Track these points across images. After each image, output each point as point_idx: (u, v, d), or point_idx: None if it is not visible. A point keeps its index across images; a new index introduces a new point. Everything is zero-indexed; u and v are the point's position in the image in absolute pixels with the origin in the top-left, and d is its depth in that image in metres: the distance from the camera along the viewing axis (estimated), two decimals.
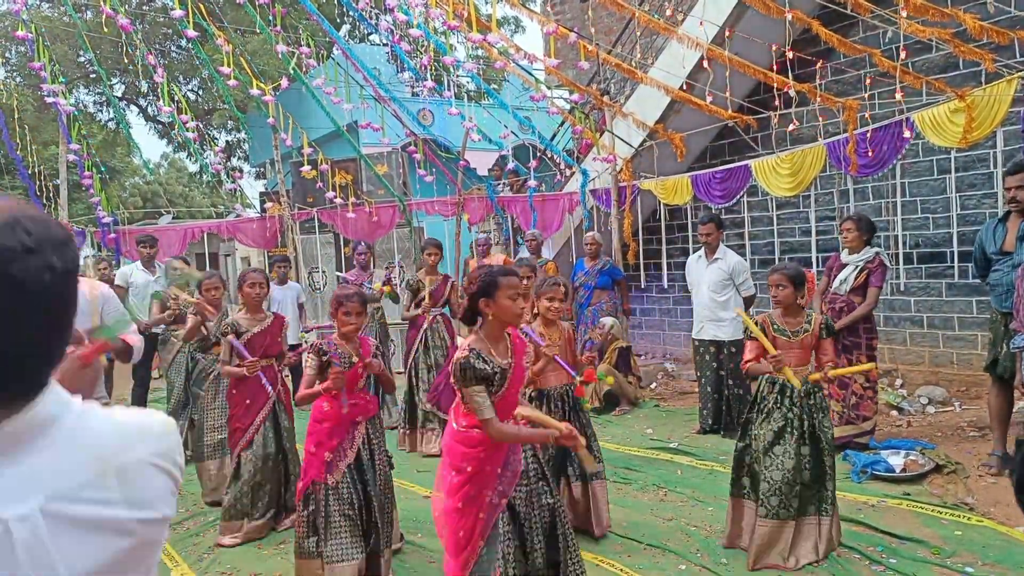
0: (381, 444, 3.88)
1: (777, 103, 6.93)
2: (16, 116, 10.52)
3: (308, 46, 9.18)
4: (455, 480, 2.93)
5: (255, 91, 8.94)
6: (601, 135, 8.99)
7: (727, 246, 6.68)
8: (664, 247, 8.96)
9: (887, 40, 7.35)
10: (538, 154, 10.77)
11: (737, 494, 4.01)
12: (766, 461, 3.78)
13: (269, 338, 4.62)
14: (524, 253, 8.57)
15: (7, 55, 15.84)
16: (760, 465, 3.82)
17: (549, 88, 10.44)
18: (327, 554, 3.61)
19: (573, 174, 10.19)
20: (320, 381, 3.70)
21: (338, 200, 9.96)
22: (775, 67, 6.94)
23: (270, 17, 8.90)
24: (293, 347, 7.06)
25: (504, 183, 11.99)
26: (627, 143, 8.92)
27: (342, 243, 10.82)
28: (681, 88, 8.04)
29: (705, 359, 6.45)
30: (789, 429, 3.78)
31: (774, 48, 7.09)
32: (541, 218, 9.53)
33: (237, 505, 4.50)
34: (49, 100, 9.30)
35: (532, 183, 9.49)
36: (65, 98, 9.44)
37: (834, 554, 3.80)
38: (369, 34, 20.17)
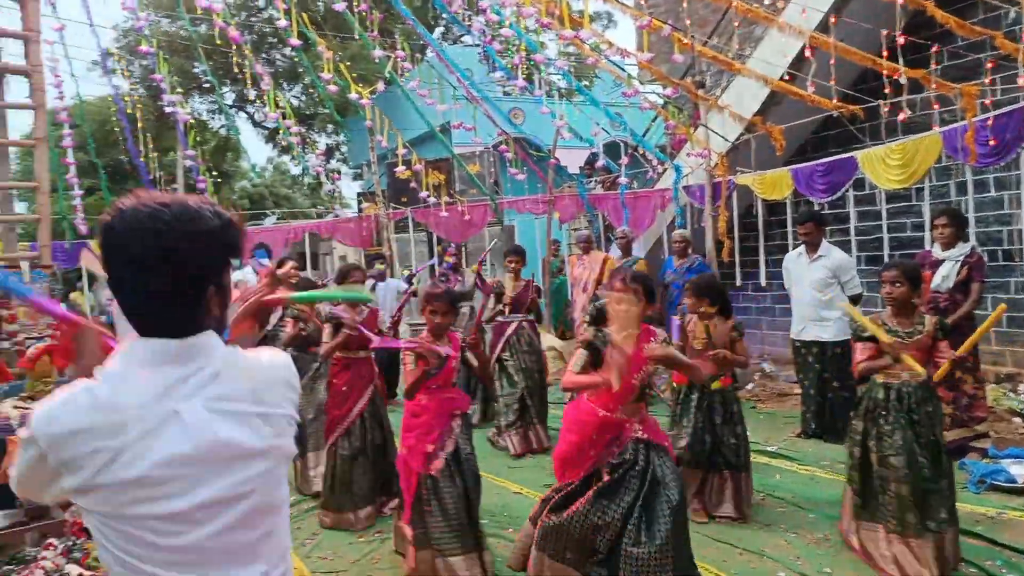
0: (469, 441, 3.93)
1: (887, 91, 6.58)
2: (139, 125, 11.27)
3: (403, 50, 9.40)
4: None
5: (353, 95, 9.24)
6: (695, 129, 8.80)
7: (830, 242, 6.40)
8: (762, 244, 8.68)
9: (1009, 21, 6.85)
10: (630, 150, 10.65)
11: (859, 505, 3.78)
12: (884, 472, 3.59)
13: (364, 334, 4.76)
14: (615, 251, 8.49)
15: (131, 69, 16.97)
16: (879, 476, 3.62)
17: (641, 83, 10.30)
18: (441, 546, 3.64)
19: (666, 170, 10.01)
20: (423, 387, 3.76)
21: (431, 199, 10.15)
22: (885, 53, 6.59)
23: (368, 23, 9.17)
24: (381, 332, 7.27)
25: (595, 180, 11.90)
26: (723, 137, 8.69)
27: (435, 242, 11.03)
28: (782, 78, 7.77)
29: (807, 360, 6.21)
30: (906, 437, 3.56)
31: (884, 33, 6.74)
32: (632, 215, 9.41)
33: (335, 494, 4.65)
34: (168, 109, 9.92)
35: (623, 180, 9.39)
36: (182, 107, 10.05)
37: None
38: (462, 35, 20.48)
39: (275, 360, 1.43)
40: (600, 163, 9.67)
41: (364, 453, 4.67)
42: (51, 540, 4.11)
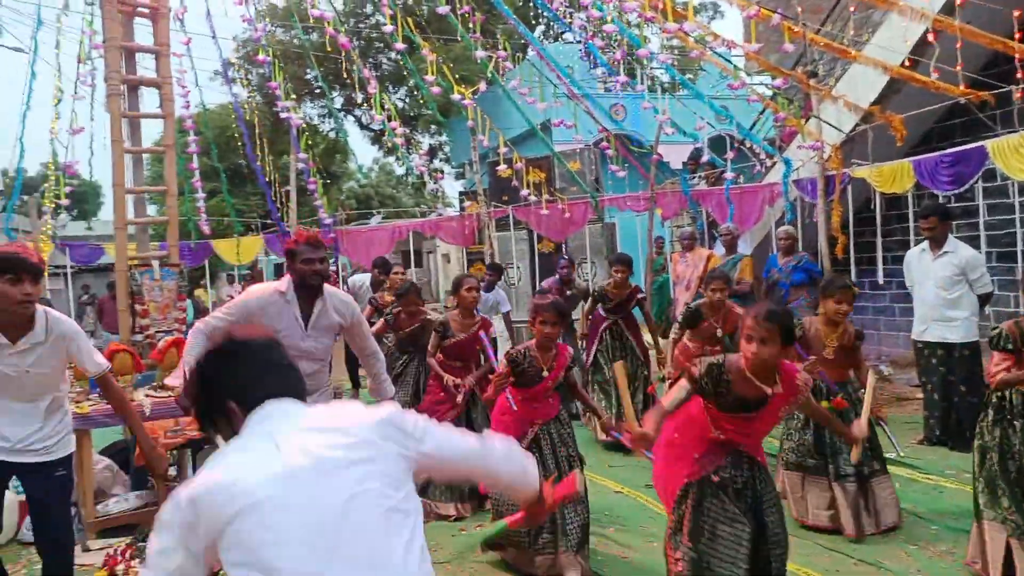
0: (568, 445, 3.95)
1: (1020, 75, 6.09)
2: (257, 131, 11.89)
3: (504, 50, 9.48)
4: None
5: (456, 96, 9.40)
6: (807, 121, 8.43)
7: (957, 237, 5.98)
8: (879, 240, 8.22)
9: None
10: (736, 144, 10.33)
11: (990, 518, 3.46)
12: (1015, 482, 3.33)
13: (472, 340, 4.92)
14: (719, 248, 8.25)
15: (249, 77, 17.92)
16: (1008, 485, 3.35)
17: (749, 75, 9.97)
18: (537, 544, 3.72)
19: (774, 164, 9.65)
20: (511, 386, 3.86)
21: (532, 197, 10.19)
22: (1017, 35, 6.10)
23: (470, 25, 9.30)
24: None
25: (699, 176, 11.62)
26: (837, 128, 8.28)
27: (535, 240, 11.07)
28: (902, 65, 7.33)
29: (931, 363, 5.83)
30: None
31: (1016, 14, 6.24)
32: (738, 211, 9.12)
33: (428, 489, 4.79)
34: (283, 115, 10.41)
35: (729, 175, 9.11)
36: (295, 112, 10.52)
37: None
38: (562, 33, 20.46)
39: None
40: (705, 158, 9.43)
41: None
42: None
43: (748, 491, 2.95)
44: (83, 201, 21.83)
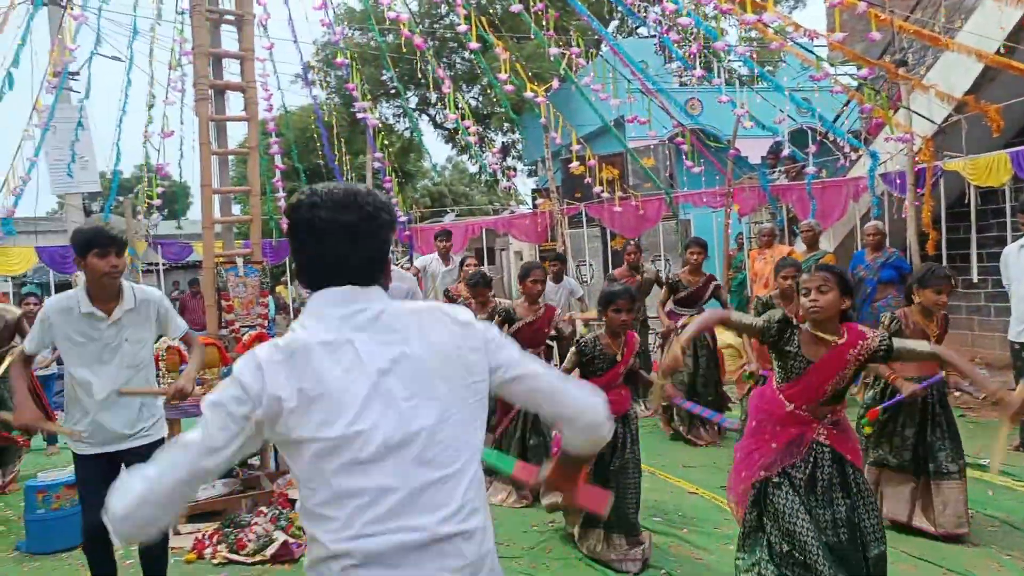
0: (633, 441, 3.94)
1: None
2: (335, 131, 12.21)
3: (578, 46, 9.43)
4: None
5: (529, 93, 9.41)
6: (895, 112, 8.07)
7: None
8: (974, 236, 7.81)
9: None
10: (818, 138, 9.99)
11: None
12: None
13: (537, 327, 4.97)
14: (799, 245, 8.00)
15: (328, 80, 18.41)
16: None
17: (832, 65, 9.62)
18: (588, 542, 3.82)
19: (859, 157, 9.28)
20: (581, 376, 3.82)
21: (605, 194, 10.12)
22: None
23: (544, 22, 9.29)
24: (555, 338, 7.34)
25: (779, 171, 11.29)
26: (927, 119, 7.90)
27: (609, 237, 10.98)
28: (998, 52, 6.93)
29: None
30: None
31: None
32: (820, 207, 8.81)
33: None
34: (359, 116, 10.64)
35: (811, 169, 8.82)
36: (371, 113, 10.75)
37: None
38: (637, 27, 20.21)
39: (439, 306, 1.58)
40: (785, 152, 9.15)
41: (523, 445, 4.84)
42: (261, 508, 4.57)
43: (834, 489, 2.86)
44: (173, 201, 22.81)
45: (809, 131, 9.97)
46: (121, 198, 14.29)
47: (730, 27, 12.60)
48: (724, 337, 7.61)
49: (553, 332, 5.31)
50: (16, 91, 9.50)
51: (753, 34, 10.40)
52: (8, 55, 9.63)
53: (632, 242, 7.40)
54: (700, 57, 8.44)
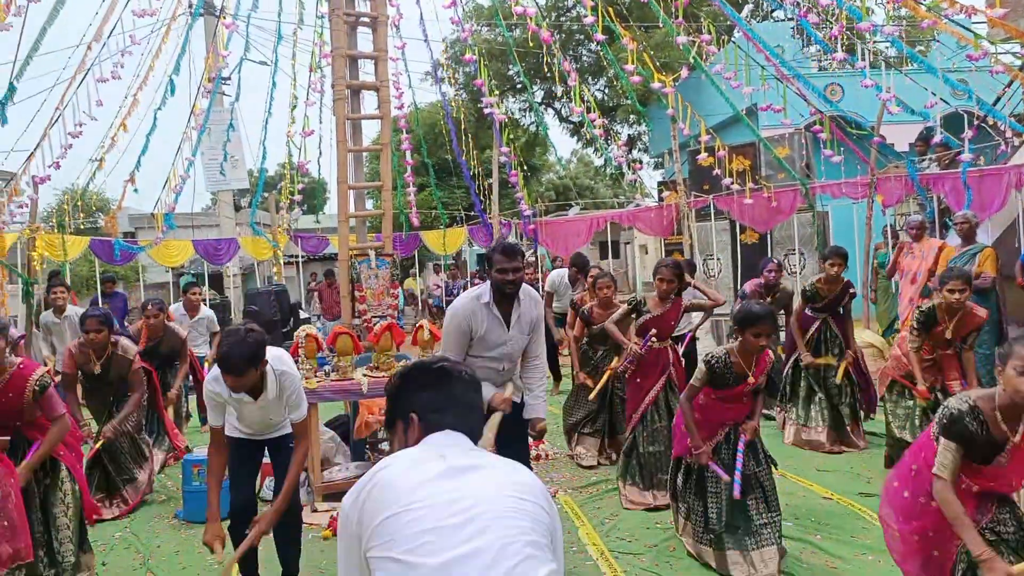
0: (751, 451, 3.83)
1: None
2: (462, 127, 12.49)
3: (708, 33, 9.13)
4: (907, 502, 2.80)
5: (656, 84, 9.23)
6: None
7: None
8: None
9: None
10: (976, 122, 9.19)
11: None
12: None
13: (665, 322, 4.90)
14: (953, 239, 7.39)
15: (456, 76, 18.83)
16: None
17: (992, 43, 8.82)
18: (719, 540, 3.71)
19: (1023, 143, 8.46)
20: (709, 387, 3.80)
21: (735, 186, 9.77)
22: None
23: (673, 10, 9.07)
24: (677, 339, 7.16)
25: (929, 158, 10.48)
26: None
27: (738, 230, 10.61)
28: None
29: None
30: None
31: None
32: (977, 197, 8.09)
33: (630, 473, 4.84)
34: (487, 111, 10.82)
35: (966, 156, 8.12)
36: (498, 108, 10.90)
37: None
38: (773, 11, 19.34)
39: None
40: (937, 138, 8.48)
41: (656, 435, 4.81)
42: None
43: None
44: (312, 197, 24.20)
45: (965, 115, 9.18)
46: (266, 194, 15.28)
47: (876, 5, 11.82)
48: (864, 336, 7.18)
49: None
50: (175, 97, 10.34)
51: (903, 12, 9.69)
52: (169, 64, 10.50)
53: (774, 260, 6.96)
54: (842, 39, 7.94)
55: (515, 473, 1.55)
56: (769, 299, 6.54)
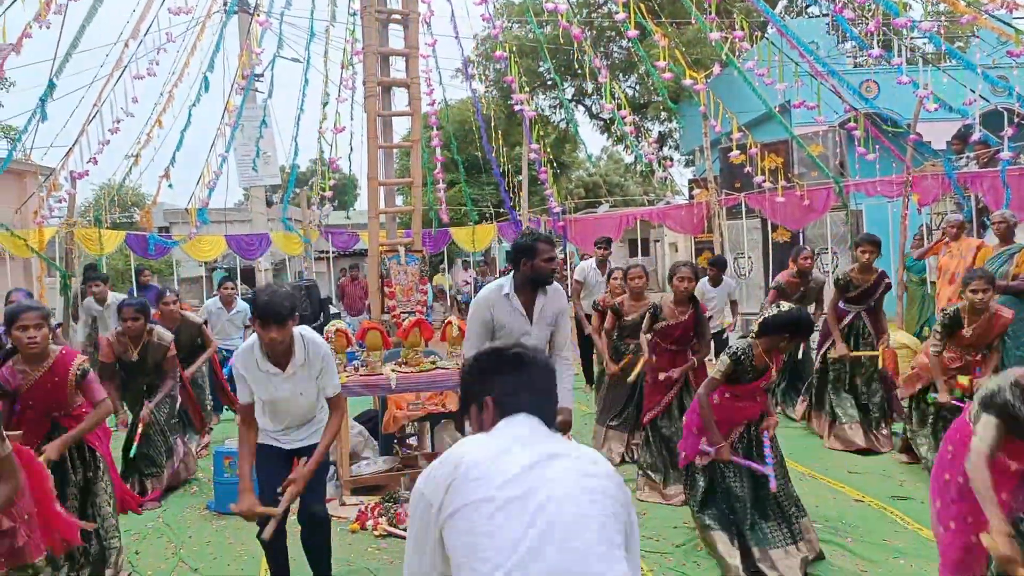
0: (773, 445, 3.85)
1: None
2: (492, 124, 12.50)
3: (741, 29, 9.03)
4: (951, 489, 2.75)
5: (688, 81, 9.15)
6: None
7: None
8: None
9: None
10: (1016, 119, 8.97)
11: None
12: None
13: (682, 330, 4.94)
14: (991, 238, 7.21)
15: (487, 73, 18.87)
16: None
17: None
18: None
19: None
20: (725, 384, 3.80)
21: (767, 184, 9.66)
22: None
23: (706, 6, 8.98)
24: (716, 334, 7.09)
25: (967, 156, 10.26)
26: None
27: (770, 228, 10.49)
28: None
29: None
30: None
31: None
32: (1016, 196, 7.91)
33: (649, 468, 4.94)
34: (517, 108, 10.82)
35: (1006, 155, 7.93)
36: (528, 105, 10.89)
37: None
38: (807, 7, 19.06)
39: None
40: (976, 136, 8.30)
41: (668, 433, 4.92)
42: None
43: None
44: (343, 193, 24.42)
45: (1005, 112, 8.97)
46: (298, 190, 15.46)
47: (914, 1, 11.59)
48: (898, 336, 7.05)
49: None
50: (209, 93, 10.49)
51: (941, 7, 9.49)
52: (204, 61, 10.65)
53: (807, 248, 6.88)
54: (878, 35, 7.80)
55: (593, 464, 1.57)
56: (802, 288, 6.48)
